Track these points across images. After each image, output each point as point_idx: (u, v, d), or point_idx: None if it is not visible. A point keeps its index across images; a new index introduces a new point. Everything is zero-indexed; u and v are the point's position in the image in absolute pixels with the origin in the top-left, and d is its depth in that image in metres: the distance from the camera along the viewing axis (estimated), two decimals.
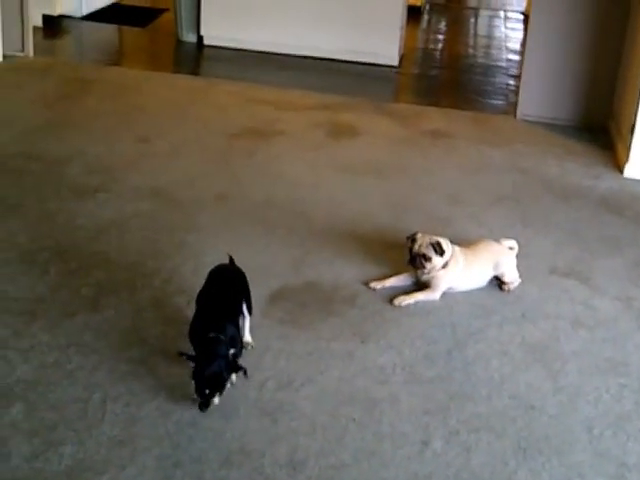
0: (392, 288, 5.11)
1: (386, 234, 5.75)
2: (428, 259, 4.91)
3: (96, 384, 4.03)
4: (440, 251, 4.92)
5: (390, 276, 5.18)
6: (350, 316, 4.74)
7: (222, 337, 3.84)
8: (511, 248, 5.33)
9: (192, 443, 3.70)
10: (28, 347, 4.29)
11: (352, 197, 6.41)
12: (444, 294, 5.03)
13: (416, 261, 4.98)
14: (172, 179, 6.56)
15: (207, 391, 3.71)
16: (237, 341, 3.98)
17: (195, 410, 3.83)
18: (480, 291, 5.14)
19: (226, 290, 4.18)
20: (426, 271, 4.97)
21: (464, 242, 5.26)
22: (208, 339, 3.81)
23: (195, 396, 3.78)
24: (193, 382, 3.76)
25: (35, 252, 5.26)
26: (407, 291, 5.07)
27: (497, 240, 5.34)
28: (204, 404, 3.74)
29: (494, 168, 7.20)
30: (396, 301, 4.90)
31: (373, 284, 5.09)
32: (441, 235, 5.10)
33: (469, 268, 5.09)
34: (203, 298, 4.14)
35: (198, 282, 4.52)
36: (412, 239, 4.99)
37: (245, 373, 3.81)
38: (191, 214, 5.97)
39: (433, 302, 4.99)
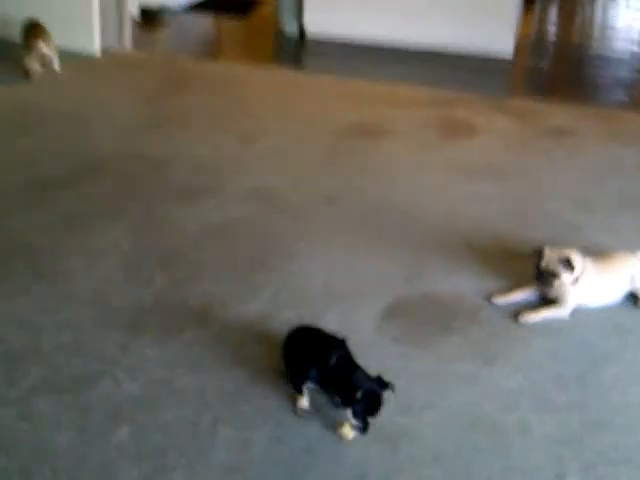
0: (516, 303, 4.92)
1: (507, 243, 5.58)
2: (557, 276, 4.71)
3: (205, 404, 4.02)
4: (570, 267, 4.70)
5: (513, 290, 4.97)
6: (472, 334, 4.60)
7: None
8: None
9: (309, 471, 3.65)
10: (135, 363, 4.30)
11: (468, 202, 6.27)
12: (574, 311, 4.82)
13: (544, 278, 4.78)
14: (278, 180, 6.56)
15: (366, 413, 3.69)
16: None
17: (310, 435, 3.83)
18: (614, 308, 4.92)
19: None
20: (555, 288, 4.74)
21: (596, 254, 5.02)
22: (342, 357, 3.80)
23: (352, 420, 3.75)
24: (346, 407, 3.73)
25: (140, 260, 5.33)
26: (533, 307, 4.85)
27: (633, 252, 5.05)
28: (364, 428, 3.74)
29: (624, 170, 6.90)
30: (522, 318, 4.73)
31: (496, 299, 4.91)
32: (570, 247, 4.88)
33: (602, 283, 4.88)
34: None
35: (309, 297, 4.44)
36: (539, 254, 4.79)
37: (393, 389, 3.74)
38: (299, 219, 5.95)
39: (562, 319, 4.76)
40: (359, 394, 3.66)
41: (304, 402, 3.99)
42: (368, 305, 4.81)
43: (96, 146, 7.09)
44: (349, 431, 3.79)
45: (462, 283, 5.13)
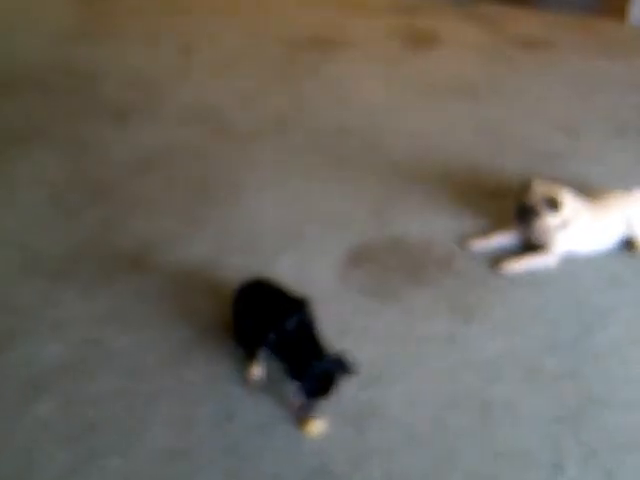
0: (495, 249, 4.42)
1: (483, 175, 5.03)
2: (537, 215, 4.21)
3: (142, 372, 3.49)
4: (554, 207, 4.17)
5: (491, 233, 4.43)
6: (447, 286, 4.09)
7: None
8: None
9: (262, 456, 3.16)
10: (61, 319, 3.74)
11: (438, 126, 5.69)
12: (562, 259, 4.30)
13: (523, 216, 4.27)
14: (225, 99, 5.89)
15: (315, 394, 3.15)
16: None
17: (264, 411, 3.33)
18: (607, 256, 4.42)
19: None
20: (535, 230, 4.26)
21: (587, 192, 4.51)
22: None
23: (295, 401, 3.22)
24: (293, 384, 3.20)
25: (66, 192, 4.68)
26: (514, 253, 4.34)
27: (628, 189, 4.52)
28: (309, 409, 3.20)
29: (613, 87, 6.28)
30: (502, 267, 4.19)
31: (472, 243, 4.37)
32: (556, 181, 4.40)
33: (594, 226, 4.37)
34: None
35: (259, 239, 3.99)
36: (527, 188, 4.24)
37: (352, 371, 3.22)
38: (248, 145, 5.33)
39: (548, 269, 4.24)
40: (310, 372, 3.11)
41: (257, 370, 3.43)
42: (328, 249, 4.25)
43: (17, 56, 6.26)
44: (315, 426, 3.25)
45: (433, 223, 4.58)
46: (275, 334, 3.26)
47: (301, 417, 3.24)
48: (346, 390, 3.33)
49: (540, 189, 4.25)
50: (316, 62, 6.39)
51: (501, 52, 6.78)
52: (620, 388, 3.56)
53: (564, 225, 4.27)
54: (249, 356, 3.43)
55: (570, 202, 4.27)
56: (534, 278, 4.17)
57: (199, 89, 5.92)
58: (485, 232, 4.48)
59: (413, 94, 6.01)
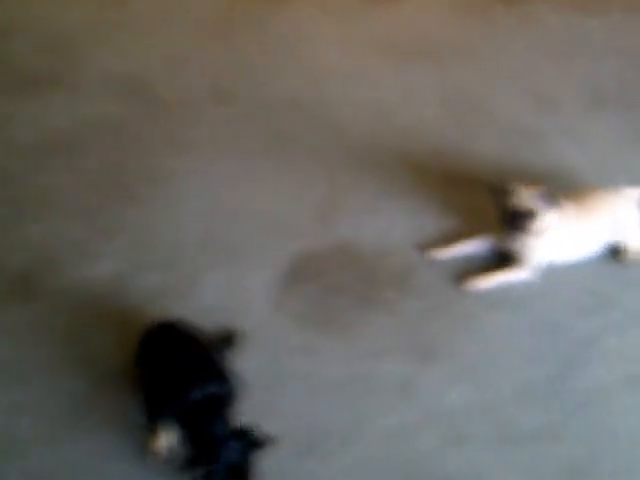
0: (461, 258, 3.76)
1: (448, 159, 4.38)
2: (534, 216, 3.55)
3: (15, 441, 2.89)
4: (551, 205, 3.57)
5: (457, 236, 3.81)
6: (403, 312, 3.48)
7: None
8: (630, 198, 3.88)
9: None
10: None
11: (399, 97, 4.94)
12: (539, 272, 3.68)
13: (516, 220, 3.58)
14: (153, 63, 5.13)
15: None
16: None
17: None
18: (590, 267, 3.77)
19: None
20: (526, 236, 3.61)
21: (567, 191, 3.83)
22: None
23: None
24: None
25: None
26: (483, 264, 3.68)
27: (615, 188, 3.89)
28: None
29: (594, 48, 5.52)
30: (468, 285, 3.51)
31: (434, 252, 3.69)
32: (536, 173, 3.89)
33: (575, 232, 3.74)
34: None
35: (182, 248, 3.53)
36: (502, 191, 3.62)
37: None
38: (178, 122, 4.59)
39: (523, 285, 3.61)
40: (216, 466, 2.52)
41: (162, 441, 2.73)
42: (263, 263, 3.63)
43: None
44: None
45: (389, 224, 3.95)
46: (175, 404, 2.55)
47: None
48: (278, 462, 2.75)
49: (527, 190, 3.57)
50: (261, 17, 5.59)
51: (470, 8, 5.94)
52: (607, 452, 2.96)
53: (541, 233, 3.56)
54: (150, 425, 2.72)
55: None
56: (506, 298, 3.56)
57: (122, 51, 5.17)
58: (450, 235, 3.78)
59: (372, 57, 5.27)
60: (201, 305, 3.42)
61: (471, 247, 3.79)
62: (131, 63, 5.05)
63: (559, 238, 3.70)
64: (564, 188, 3.83)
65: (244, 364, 3.13)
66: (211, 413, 2.61)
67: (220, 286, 3.52)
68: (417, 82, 5.08)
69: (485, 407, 3.08)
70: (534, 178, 4.08)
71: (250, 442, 2.60)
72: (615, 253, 3.80)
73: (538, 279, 3.65)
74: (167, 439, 2.82)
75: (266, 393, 3.05)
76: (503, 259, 3.72)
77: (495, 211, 3.64)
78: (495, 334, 3.38)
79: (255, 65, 5.11)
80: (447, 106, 4.86)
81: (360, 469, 2.85)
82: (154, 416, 2.79)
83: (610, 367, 3.28)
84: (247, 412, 2.87)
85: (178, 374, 2.71)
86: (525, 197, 3.56)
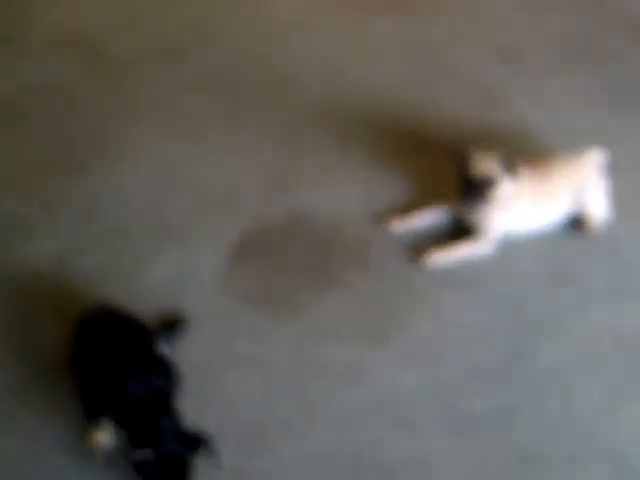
0: (420, 229, 3.63)
1: (410, 120, 4.20)
2: (492, 185, 3.40)
3: None
4: (512, 173, 3.42)
5: (416, 204, 3.65)
6: (358, 291, 3.35)
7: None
8: (593, 163, 3.70)
9: None
10: None
11: (358, 51, 4.72)
12: (498, 245, 3.55)
13: (475, 191, 3.42)
14: (105, 22, 4.88)
15: None
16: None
17: None
18: (552, 239, 3.64)
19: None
20: (484, 206, 3.47)
21: (527, 157, 3.64)
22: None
23: None
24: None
25: None
26: (442, 236, 3.56)
27: (577, 152, 3.69)
28: None
29: (563, 3, 5.27)
30: (426, 260, 3.39)
31: (391, 223, 3.57)
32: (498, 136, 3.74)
33: (536, 201, 3.60)
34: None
35: (126, 225, 3.41)
36: (462, 159, 3.44)
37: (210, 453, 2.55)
38: (129, 84, 4.38)
39: (483, 258, 3.49)
40: (151, 455, 2.44)
41: (102, 436, 2.63)
42: (213, 239, 3.51)
43: None
44: None
45: (346, 193, 3.82)
46: (113, 399, 2.44)
47: None
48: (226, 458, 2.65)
49: (486, 158, 3.44)
50: None
51: None
52: (562, 436, 2.89)
53: (499, 202, 3.42)
54: (88, 419, 2.61)
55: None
56: (463, 274, 3.46)
57: (73, 10, 4.91)
58: (408, 204, 3.63)
59: (335, 10, 5.05)
60: (147, 286, 3.32)
61: (429, 218, 3.67)
62: (82, 22, 4.85)
63: (518, 208, 3.55)
64: (527, 151, 3.74)
65: (188, 349, 3.06)
66: (151, 406, 2.49)
67: (167, 265, 3.41)
68: (375, 35, 4.87)
69: (436, 391, 3.00)
70: (496, 141, 3.97)
71: (192, 439, 2.50)
72: (577, 223, 3.64)
73: (497, 252, 3.49)
74: (105, 434, 2.69)
75: (209, 379, 2.98)
76: (462, 231, 3.56)
77: (455, 179, 3.46)
78: (450, 313, 3.29)
79: (209, 21, 4.90)
80: (410, 61, 4.69)
81: (304, 460, 2.79)
82: (92, 410, 2.66)
83: (568, 346, 3.19)
84: (189, 400, 2.80)
85: (115, 366, 2.59)
86: (483, 165, 3.40)
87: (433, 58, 4.69)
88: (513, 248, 3.55)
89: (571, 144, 3.76)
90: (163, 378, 2.63)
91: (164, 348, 2.86)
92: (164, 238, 3.51)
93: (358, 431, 2.87)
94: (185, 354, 3.01)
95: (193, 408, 2.79)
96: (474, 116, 4.16)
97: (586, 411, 2.96)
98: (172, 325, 3.09)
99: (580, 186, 3.63)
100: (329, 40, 4.80)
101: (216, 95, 4.32)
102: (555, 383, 3.05)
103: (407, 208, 3.69)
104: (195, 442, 2.50)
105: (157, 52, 4.62)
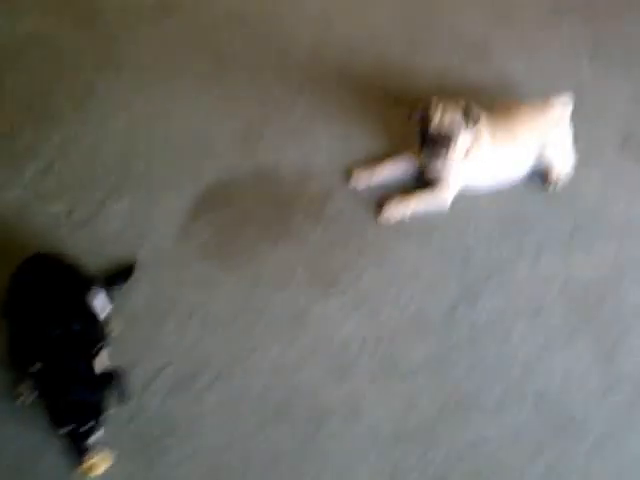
0: (384, 182, 3.63)
1: (390, 75, 4.18)
2: (450, 141, 3.38)
3: None
4: (471, 123, 3.37)
5: (380, 162, 3.65)
6: (313, 242, 3.40)
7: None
8: (563, 110, 3.63)
9: None
10: None
11: (348, 5, 4.67)
12: (458, 197, 3.53)
13: (434, 146, 3.40)
14: None
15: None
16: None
17: (30, 443, 2.71)
18: (512, 188, 3.61)
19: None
20: (444, 159, 3.44)
21: (489, 104, 3.61)
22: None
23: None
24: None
25: None
26: (406, 188, 3.55)
27: (544, 99, 3.64)
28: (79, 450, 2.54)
29: None
30: (383, 215, 3.43)
31: (357, 176, 3.58)
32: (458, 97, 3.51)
33: (498, 153, 3.54)
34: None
35: (94, 173, 3.49)
36: (424, 111, 3.41)
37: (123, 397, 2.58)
38: (114, 38, 4.38)
39: (441, 210, 3.48)
40: (60, 400, 2.49)
41: (25, 386, 2.79)
42: (176, 188, 3.55)
43: None
44: (97, 464, 2.62)
45: (318, 148, 3.82)
46: (40, 346, 2.57)
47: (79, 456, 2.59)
48: (149, 397, 2.80)
49: (447, 108, 3.39)
50: None
51: None
52: (494, 385, 2.96)
53: (459, 155, 3.41)
54: (17, 373, 2.70)
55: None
56: (418, 225, 3.49)
57: None
58: (377, 158, 3.61)
59: None
60: (104, 234, 3.37)
61: (394, 169, 3.66)
62: None
63: (479, 161, 3.51)
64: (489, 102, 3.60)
65: (133, 297, 3.13)
66: (70, 349, 2.55)
67: (126, 214, 3.45)
68: None
69: (376, 339, 3.03)
70: (475, 92, 3.93)
71: (103, 378, 2.55)
72: (544, 177, 3.61)
73: (455, 204, 3.49)
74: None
75: (153, 327, 3.05)
76: (426, 184, 3.56)
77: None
78: (401, 264, 3.30)
79: None
80: (397, 17, 4.63)
81: (233, 404, 2.85)
82: (19, 363, 2.73)
83: (513, 297, 3.22)
84: (125, 345, 2.91)
85: (36, 312, 2.65)
86: (441, 117, 3.37)
87: (420, 11, 4.64)
88: (472, 200, 3.54)
89: (548, 94, 3.70)
90: (81, 324, 2.67)
91: (100, 296, 2.90)
92: (127, 189, 3.55)
93: (292, 378, 2.93)
94: (129, 301, 3.09)
95: (129, 354, 2.89)
96: (457, 69, 4.15)
97: (518, 359, 3.01)
98: (119, 274, 3.14)
99: (545, 134, 3.54)
100: None
101: (199, 49, 4.33)
102: (493, 332, 3.09)
103: (375, 159, 3.67)
104: (107, 380, 2.55)
105: (148, 7, 4.64)
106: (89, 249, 3.26)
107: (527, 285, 3.22)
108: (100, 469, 2.63)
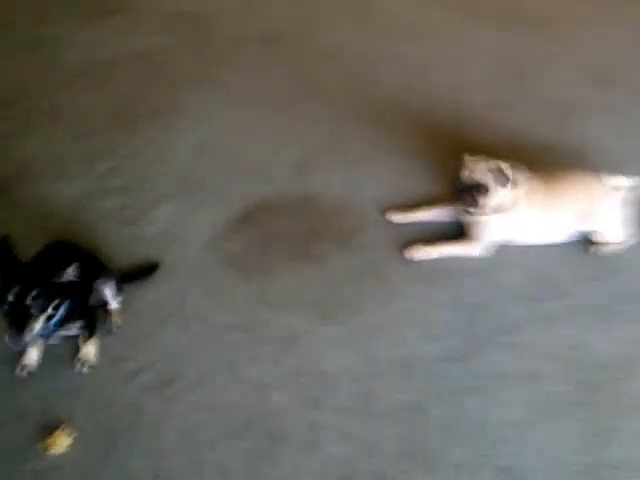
0: (422, 224, 3.61)
1: (469, 125, 4.18)
2: (484, 192, 3.32)
3: None
4: (504, 181, 3.29)
5: (425, 204, 3.60)
6: (331, 267, 3.40)
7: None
8: (615, 188, 3.47)
9: None
10: None
11: (446, 55, 4.75)
12: (496, 248, 3.47)
13: (467, 195, 3.36)
14: (219, 2, 5.26)
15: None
16: None
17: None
18: (553, 248, 3.48)
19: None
20: (477, 210, 3.38)
21: (540, 168, 3.49)
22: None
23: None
24: None
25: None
26: (441, 234, 3.53)
27: (595, 173, 3.50)
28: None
29: None
30: (410, 251, 3.39)
31: (393, 214, 3.57)
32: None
33: (540, 212, 3.43)
34: None
35: (155, 173, 3.72)
36: (460, 163, 3.39)
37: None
38: (217, 59, 4.69)
39: (469, 259, 3.43)
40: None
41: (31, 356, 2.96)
42: (223, 201, 3.72)
43: None
44: (57, 441, 2.78)
45: (367, 183, 3.86)
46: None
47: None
48: (124, 393, 2.91)
49: (480, 162, 3.34)
50: None
51: None
52: (457, 443, 2.81)
53: (499, 210, 3.35)
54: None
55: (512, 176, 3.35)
56: (441, 270, 3.41)
57: None
58: (421, 202, 3.61)
59: (441, 13, 5.12)
60: (143, 234, 3.53)
61: (432, 214, 3.62)
62: (199, 1, 5.17)
63: (515, 219, 3.42)
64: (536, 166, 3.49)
65: (147, 295, 3.26)
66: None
67: (167, 219, 3.60)
68: (474, 43, 4.84)
69: (357, 376, 2.98)
70: (544, 155, 3.83)
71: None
72: (586, 242, 3.47)
73: (486, 256, 3.41)
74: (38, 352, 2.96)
75: (152, 326, 3.15)
76: (462, 233, 3.51)
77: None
78: (409, 306, 3.23)
79: (322, 12, 5.06)
80: (494, 71, 4.61)
81: (201, 412, 2.87)
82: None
83: (513, 360, 3.06)
84: (126, 339, 3.07)
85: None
86: (478, 170, 3.34)
87: (519, 70, 4.60)
88: (505, 251, 3.44)
89: (619, 171, 3.54)
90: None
91: (110, 286, 3.08)
92: (177, 196, 3.73)
93: (264, 398, 2.92)
94: (140, 298, 3.23)
95: (122, 346, 3.04)
96: (539, 131, 4.08)
97: (492, 426, 2.84)
98: (140, 272, 3.30)
99: (593, 207, 3.41)
100: (424, 41, 4.88)
101: (290, 80, 4.53)
102: (478, 392, 2.94)
103: (417, 203, 3.66)
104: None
105: (256, 34, 4.88)
106: (126, 244, 3.45)
107: (533, 349, 3.06)
108: (60, 447, 2.74)
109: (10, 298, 2.53)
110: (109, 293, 3.11)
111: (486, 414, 2.87)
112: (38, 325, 2.60)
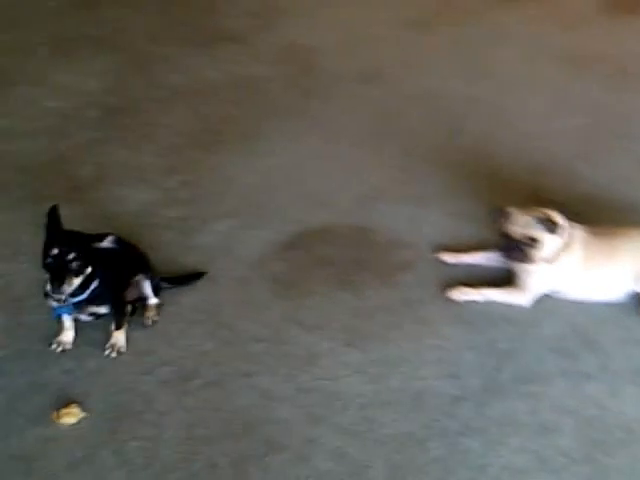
0: (470, 266, 3.54)
1: (542, 175, 4.13)
2: (535, 244, 3.24)
3: None
4: (553, 228, 3.20)
5: (478, 249, 3.55)
6: (367, 297, 3.40)
7: None
8: None
9: None
10: None
11: (542, 108, 4.72)
12: (544, 298, 3.35)
13: (514, 250, 3.29)
14: (325, 39, 5.40)
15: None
16: None
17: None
18: (605, 307, 3.32)
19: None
20: (528, 262, 3.30)
21: (593, 224, 3.40)
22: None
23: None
24: None
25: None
26: (490, 279, 3.45)
27: None
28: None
29: None
30: (450, 292, 3.36)
31: (445, 254, 3.55)
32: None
33: (592, 266, 3.30)
34: None
35: (224, 191, 3.92)
36: (501, 213, 3.31)
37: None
38: (313, 94, 4.86)
39: (515, 307, 3.33)
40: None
41: (68, 334, 3.14)
42: (283, 222, 3.82)
43: None
44: (70, 415, 2.91)
45: (426, 222, 3.84)
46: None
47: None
48: (141, 383, 3.02)
49: (526, 215, 3.27)
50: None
51: None
52: None
53: (549, 260, 3.28)
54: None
55: (565, 229, 3.28)
56: (480, 315, 3.32)
57: (309, 24, 5.67)
58: (474, 247, 3.58)
59: (554, 64, 5.15)
60: (197, 244, 3.66)
61: (484, 258, 3.58)
62: (311, 36, 5.38)
63: (567, 272, 3.33)
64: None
65: (183, 300, 3.37)
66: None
67: (226, 232, 3.73)
68: (578, 98, 4.83)
69: (366, 402, 2.94)
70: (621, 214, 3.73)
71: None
72: (638, 304, 3.34)
73: (531, 306, 3.34)
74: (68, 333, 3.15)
75: (181, 327, 3.24)
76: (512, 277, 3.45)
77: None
78: (437, 344, 3.17)
79: (423, 56, 5.24)
80: (590, 124, 4.53)
81: (203, 410, 2.92)
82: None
83: (531, 410, 2.93)
84: (154, 335, 3.20)
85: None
86: (525, 223, 3.28)
87: (619, 129, 4.53)
88: (549, 305, 3.34)
89: None
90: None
91: (145, 285, 3.26)
92: (239, 214, 3.86)
93: (269, 408, 2.92)
94: (176, 302, 3.35)
95: (149, 342, 3.17)
96: (623, 188, 3.98)
97: (489, 473, 2.72)
98: (183, 278, 3.43)
99: None
100: (522, 90, 4.91)
101: (377, 118, 4.61)
102: (483, 437, 2.82)
103: (472, 246, 3.63)
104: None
105: (356, 73, 5.02)
106: (178, 252, 3.60)
107: (554, 402, 2.92)
108: (72, 419, 2.86)
109: (54, 252, 2.80)
110: (148, 289, 3.25)
111: (488, 458, 2.75)
112: (77, 281, 2.87)
